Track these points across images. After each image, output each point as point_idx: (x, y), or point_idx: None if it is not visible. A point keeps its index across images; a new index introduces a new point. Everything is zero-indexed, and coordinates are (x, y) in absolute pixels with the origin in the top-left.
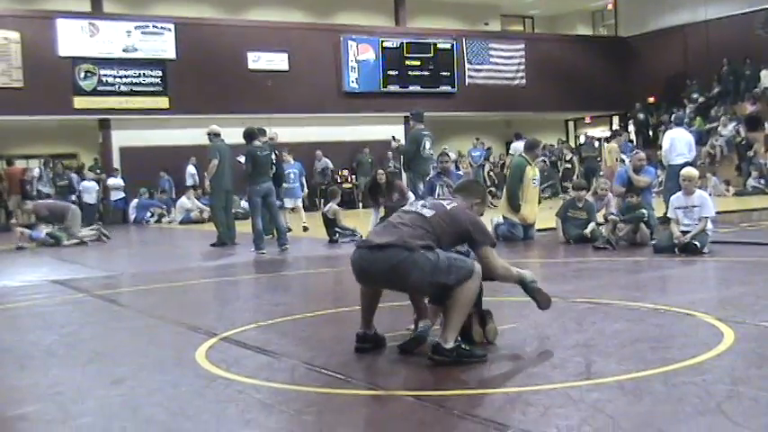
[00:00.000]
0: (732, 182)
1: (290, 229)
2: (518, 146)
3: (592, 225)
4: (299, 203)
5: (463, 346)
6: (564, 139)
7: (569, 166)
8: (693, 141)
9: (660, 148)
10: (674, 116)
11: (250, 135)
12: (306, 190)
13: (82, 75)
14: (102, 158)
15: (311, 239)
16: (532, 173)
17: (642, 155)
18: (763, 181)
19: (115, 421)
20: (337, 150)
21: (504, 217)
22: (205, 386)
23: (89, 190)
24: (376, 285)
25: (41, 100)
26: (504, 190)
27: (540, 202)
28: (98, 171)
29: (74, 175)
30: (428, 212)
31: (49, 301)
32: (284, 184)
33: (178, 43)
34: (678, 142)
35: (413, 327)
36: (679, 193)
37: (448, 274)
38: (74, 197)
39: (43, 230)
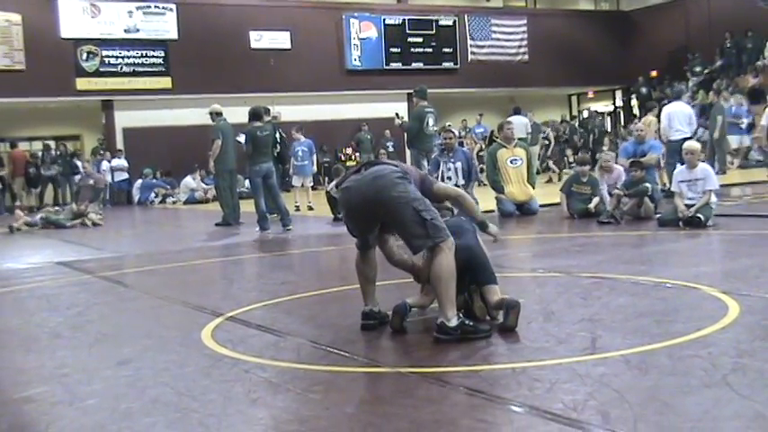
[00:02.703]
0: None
1: (297, 209)
2: (517, 120)
3: (596, 200)
4: (308, 181)
5: (467, 322)
6: (566, 114)
7: (546, 142)
8: (693, 115)
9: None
10: (672, 90)
11: (254, 115)
12: (315, 168)
13: (84, 56)
14: (106, 140)
15: (316, 218)
16: (508, 154)
17: (641, 125)
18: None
19: (122, 402)
20: (340, 128)
21: (495, 198)
22: (211, 366)
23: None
24: (362, 212)
25: (44, 82)
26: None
27: (532, 179)
28: (101, 152)
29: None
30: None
31: (55, 282)
32: (294, 162)
33: (180, 23)
34: (675, 117)
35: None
36: (682, 167)
37: (428, 210)
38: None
39: (38, 216)
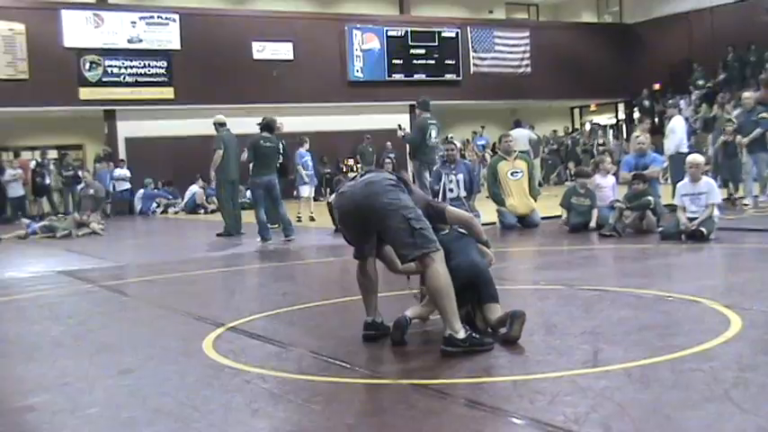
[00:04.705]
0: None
1: (299, 219)
2: (517, 133)
3: (595, 212)
4: (311, 192)
5: (474, 335)
6: (568, 127)
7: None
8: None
9: (664, 135)
10: (679, 103)
11: (266, 126)
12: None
13: (87, 66)
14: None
15: (317, 229)
16: (508, 167)
17: (642, 138)
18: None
19: (123, 411)
20: (342, 139)
21: (497, 210)
22: (213, 376)
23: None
24: (353, 217)
25: (47, 91)
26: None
27: (535, 191)
28: (101, 161)
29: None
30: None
31: (57, 291)
32: (304, 172)
33: (183, 34)
34: (683, 131)
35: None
36: (685, 180)
37: (418, 219)
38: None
39: (37, 225)
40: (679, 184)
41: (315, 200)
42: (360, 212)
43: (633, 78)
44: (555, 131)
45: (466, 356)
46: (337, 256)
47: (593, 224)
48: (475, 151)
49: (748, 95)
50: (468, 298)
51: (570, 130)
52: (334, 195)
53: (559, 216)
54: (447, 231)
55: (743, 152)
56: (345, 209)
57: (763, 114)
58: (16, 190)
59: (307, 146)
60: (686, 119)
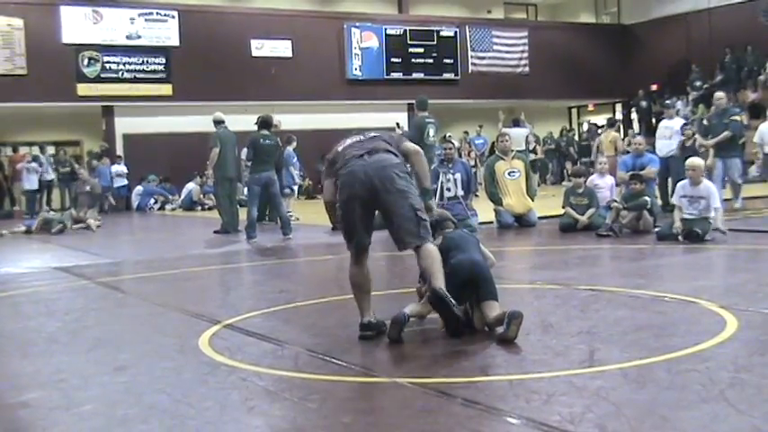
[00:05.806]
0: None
1: (297, 219)
2: (515, 133)
3: (591, 211)
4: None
5: (450, 298)
6: (568, 127)
7: (533, 156)
8: None
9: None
10: (676, 104)
11: (263, 123)
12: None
13: (85, 62)
14: (109, 145)
15: (314, 227)
16: (505, 166)
17: (639, 139)
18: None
19: (118, 408)
20: (340, 138)
21: (494, 210)
22: (208, 373)
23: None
24: (363, 200)
25: (45, 87)
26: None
27: (531, 191)
28: (97, 157)
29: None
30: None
31: (52, 287)
32: (294, 171)
33: (182, 30)
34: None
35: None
36: (685, 182)
37: (423, 210)
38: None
39: (35, 220)
40: (679, 184)
41: (311, 197)
42: (371, 195)
43: (631, 79)
44: (563, 129)
45: (462, 355)
46: (334, 253)
47: (585, 218)
48: (475, 151)
49: (720, 95)
50: (467, 296)
51: (567, 129)
52: (341, 169)
53: (556, 216)
54: (451, 230)
55: (709, 155)
56: (357, 189)
57: (735, 117)
58: (32, 183)
59: (294, 144)
60: (685, 117)
